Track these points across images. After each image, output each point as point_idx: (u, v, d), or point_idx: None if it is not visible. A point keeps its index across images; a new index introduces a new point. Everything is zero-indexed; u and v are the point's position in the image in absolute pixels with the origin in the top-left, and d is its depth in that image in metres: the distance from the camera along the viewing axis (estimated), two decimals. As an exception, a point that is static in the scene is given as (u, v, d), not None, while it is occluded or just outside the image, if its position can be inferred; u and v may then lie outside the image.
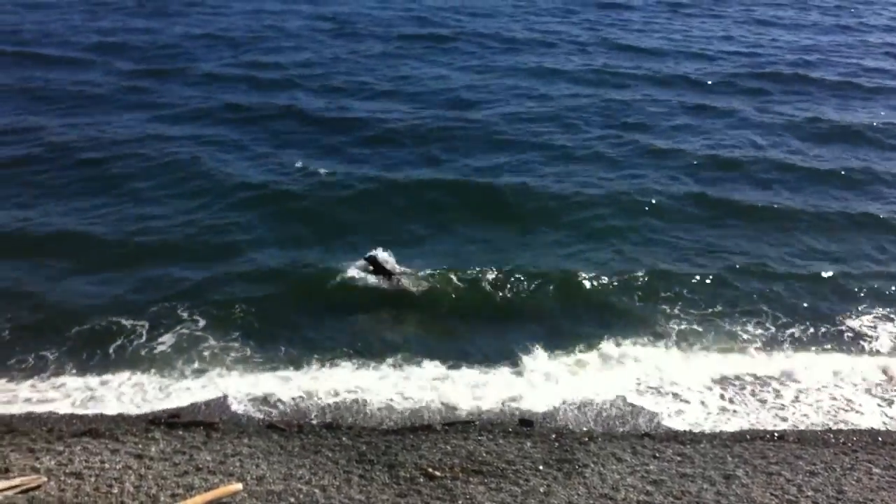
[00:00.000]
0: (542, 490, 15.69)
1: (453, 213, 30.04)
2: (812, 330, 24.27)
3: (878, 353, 23.36)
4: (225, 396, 20.37)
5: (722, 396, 21.18)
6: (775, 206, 31.56)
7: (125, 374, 21.29)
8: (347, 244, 27.46)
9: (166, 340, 22.62)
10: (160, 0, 64.70)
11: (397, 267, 25.49)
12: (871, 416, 20.57)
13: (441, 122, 38.89)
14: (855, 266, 27.59)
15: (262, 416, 19.56)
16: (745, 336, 23.82)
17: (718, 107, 43.21)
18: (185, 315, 23.67)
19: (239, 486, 14.87)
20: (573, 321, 24.34)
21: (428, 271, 25.65)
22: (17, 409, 19.94)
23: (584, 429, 19.50)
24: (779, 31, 63.63)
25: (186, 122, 38.02)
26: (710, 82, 47.98)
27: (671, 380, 21.74)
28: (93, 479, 15.19)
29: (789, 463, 17.64)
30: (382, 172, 33.20)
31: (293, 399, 20.40)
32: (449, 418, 19.67)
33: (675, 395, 21.15)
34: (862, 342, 23.75)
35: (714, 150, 37.11)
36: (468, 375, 21.63)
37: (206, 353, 22.16)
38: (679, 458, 17.62)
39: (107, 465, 15.89)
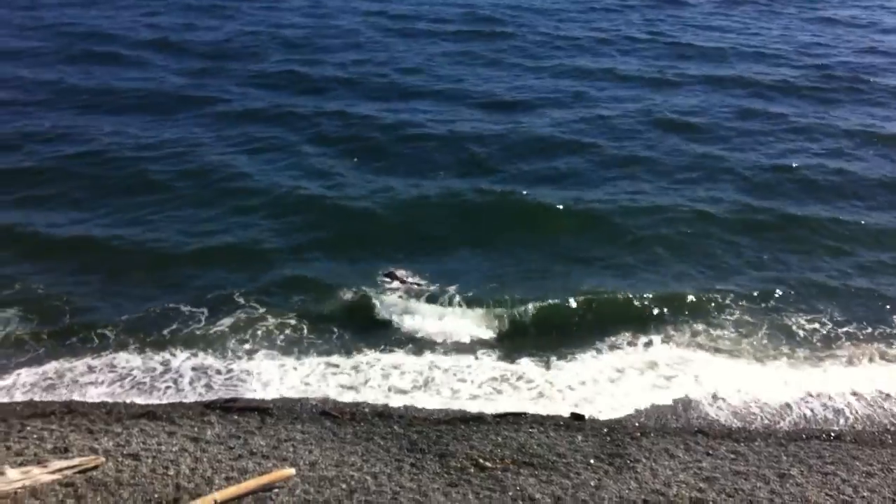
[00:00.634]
0: (592, 484, 15.62)
1: (490, 226, 29.04)
2: (869, 330, 23.97)
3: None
4: (281, 382, 20.70)
5: (778, 396, 20.92)
6: (833, 217, 30.40)
7: (182, 358, 21.82)
8: (380, 252, 27.43)
9: (223, 326, 23.10)
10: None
11: (415, 283, 25.62)
12: (931, 419, 20.20)
13: (488, 127, 37.90)
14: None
15: (315, 403, 19.76)
16: (801, 338, 23.51)
17: (774, 111, 41.51)
18: (241, 301, 24.18)
19: (292, 471, 15.02)
20: (617, 320, 24.23)
21: (458, 297, 24.95)
22: (78, 390, 20.43)
23: (636, 424, 19.39)
24: (840, 29, 60.97)
25: (235, 123, 37.83)
26: (766, 84, 45.94)
27: (726, 380, 21.53)
28: (149, 461, 15.46)
29: (845, 463, 17.37)
30: (420, 181, 32.55)
31: (343, 386, 20.76)
32: (500, 410, 19.69)
33: (730, 394, 20.93)
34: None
35: (770, 158, 35.54)
36: (519, 370, 21.73)
37: (260, 340, 22.59)
38: (733, 456, 17.43)
39: (163, 448, 16.17)
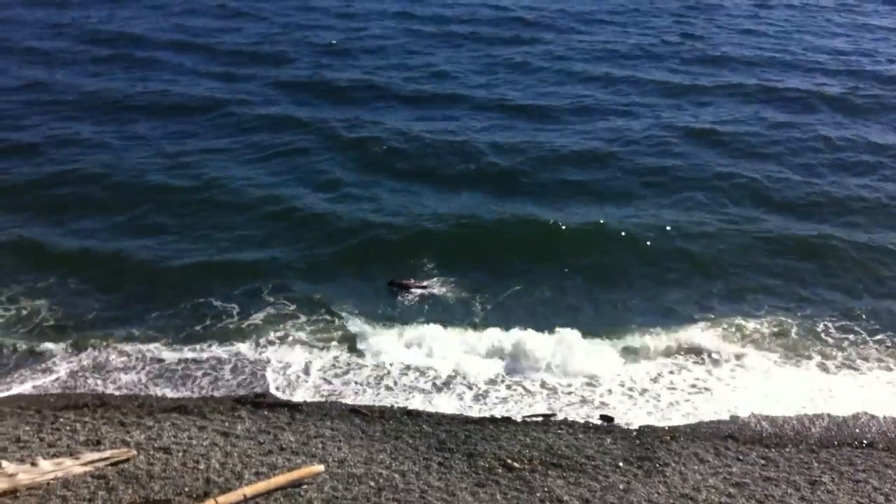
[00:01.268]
0: (621, 487, 15.58)
1: (517, 252, 27.70)
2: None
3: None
4: (308, 379, 20.83)
5: (809, 403, 20.73)
6: (867, 238, 29.11)
7: (213, 353, 22.05)
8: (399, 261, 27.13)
9: (254, 322, 23.36)
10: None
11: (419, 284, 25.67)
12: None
13: (510, 136, 36.81)
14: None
15: (345, 401, 19.85)
16: (833, 346, 23.23)
17: (800, 123, 39.64)
18: (270, 299, 24.43)
19: (321, 467, 15.09)
20: (644, 324, 24.07)
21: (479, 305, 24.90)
22: (110, 383, 20.66)
23: (666, 427, 19.29)
24: (876, 38, 57.88)
25: (258, 130, 37.41)
26: (796, 96, 43.60)
27: (757, 385, 21.37)
28: (180, 455, 15.60)
29: (877, 471, 17.18)
30: (444, 193, 31.97)
31: (369, 382, 20.91)
32: (529, 411, 19.68)
33: (761, 400, 20.77)
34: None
35: (804, 174, 33.93)
36: (546, 371, 21.70)
37: (289, 337, 22.77)
38: (763, 462, 17.30)
39: (194, 442, 16.31)
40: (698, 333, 23.39)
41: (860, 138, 37.89)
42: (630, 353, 22.53)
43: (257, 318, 23.51)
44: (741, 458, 17.44)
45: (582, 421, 19.31)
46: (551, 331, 22.95)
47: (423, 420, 18.71)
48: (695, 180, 33.32)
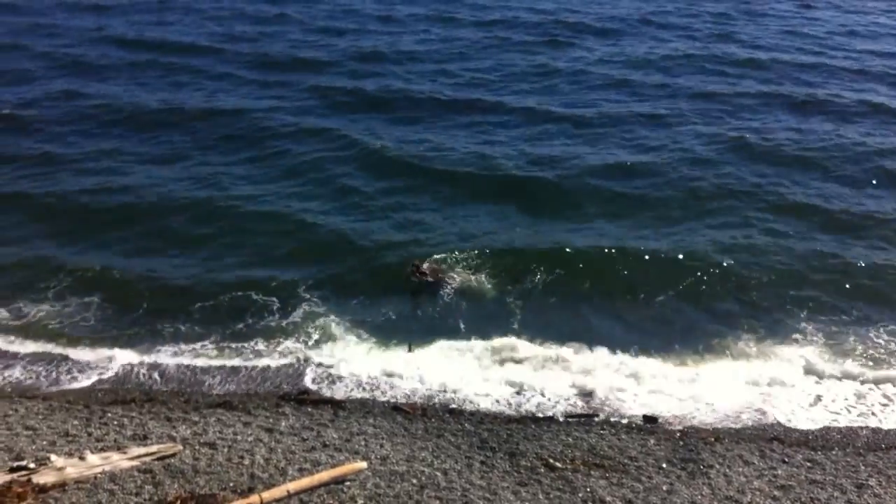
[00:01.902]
0: (664, 488, 15.48)
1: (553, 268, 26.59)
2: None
3: None
4: (350, 376, 21.01)
5: (860, 404, 20.47)
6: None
7: (257, 350, 22.29)
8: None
9: (295, 318, 23.64)
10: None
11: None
12: None
13: (557, 152, 35.40)
14: None
15: (387, 398, 19.96)
16: (882, 348, 22.92)
17: (845, 133, 37.93)
18: (307, 296, 24.71)
19: (363, 464, 15.18)
20: (693, 326, 24.07)
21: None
22: (157, 378, 20.96)
23: (710, 428, 19.14)
24: None
25: (297, 142, 36.60)
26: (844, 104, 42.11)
27: (803, 387, 21.15)
28: (225, 450, 15.76)
29: (927, 475, 16.92)
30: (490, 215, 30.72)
31: (411, 380, 21.00)
32: (571, 410, 19.62)
33: (807, 402, 20.55)
34: None
35: (854, 193, 32.47)
36: (590, 369, 21.64)
37: (330, 335, 22.99)
38: (809, 465, 17.09)
39: (239, 437, 16.47)
40: (741, 339, 23.24)
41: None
42: (671, 356, 22.41)
43: (298, 316, 23.74)
44: (786, 460, 17.24)
45: (625, 421, 19.22)
46: (586, 339, 22.96)
47: (465, 418, 18.75)
48: (738, 193, 32.11)
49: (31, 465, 13.94)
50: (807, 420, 19.79)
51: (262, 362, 21.72)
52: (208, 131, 37.65)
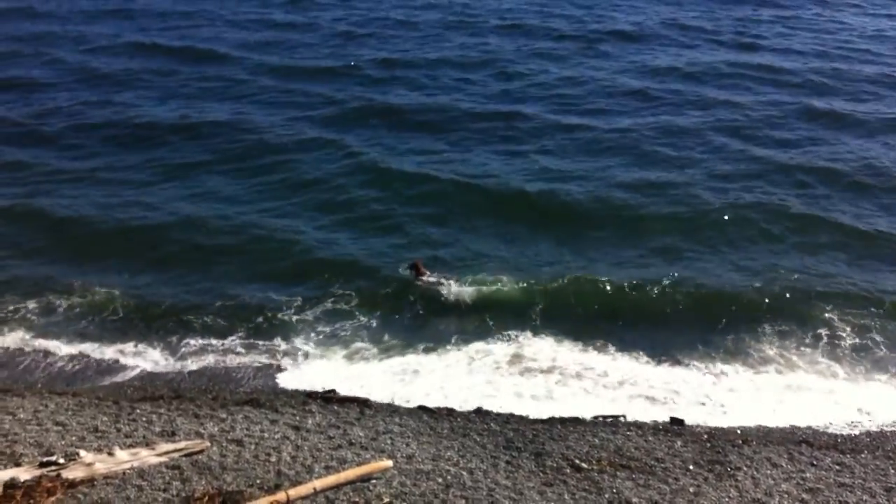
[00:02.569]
0: (691, 490, 15.39)
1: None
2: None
3: None
4: (376, 375, 21.22)
5: (886, 408, 20.28)
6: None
7: (284, 348, 22.51)
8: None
9: (322, 318, 23.89)
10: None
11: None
12: None
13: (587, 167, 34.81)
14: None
15: (412, 397, 20.03)
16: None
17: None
18: (334, 291, 25.05)
19: (389, 462, 15.19)
20: (720, 323, 23.98)
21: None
22: (185, 375, 21.16)
23: (738, 430, 19.02)
24: None
25: (312, 156, 36.11)
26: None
27: (832, 389, 21.01)
28: (252, 447, 15.83)
29: (958, 480, 16.73)
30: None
31: (437, 378, 21.16)
32: (597, 412, 19.57)
33: (836, 404, 20.40)
34: None
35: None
36: (615, 370, 21.66)
37: (356, 334, 23.29)
38: (838, 468, 16.94)
39: (266, 435, 16.55)
40: (767, 344, 23.13)
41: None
42: (697, 358, 22.33)
43: (323, 315, 23.97)
44: (815, 463, 17.09)
45: (651, 422, 19.15)
46: (608, 343, 22.98)
47: (490, 418, 18.73)
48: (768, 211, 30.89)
49: (61, 461, 14.03)
50: (835, 423, 19.66)
51: (289, 360, 21.89)
52: (227, 144, 37.42)
